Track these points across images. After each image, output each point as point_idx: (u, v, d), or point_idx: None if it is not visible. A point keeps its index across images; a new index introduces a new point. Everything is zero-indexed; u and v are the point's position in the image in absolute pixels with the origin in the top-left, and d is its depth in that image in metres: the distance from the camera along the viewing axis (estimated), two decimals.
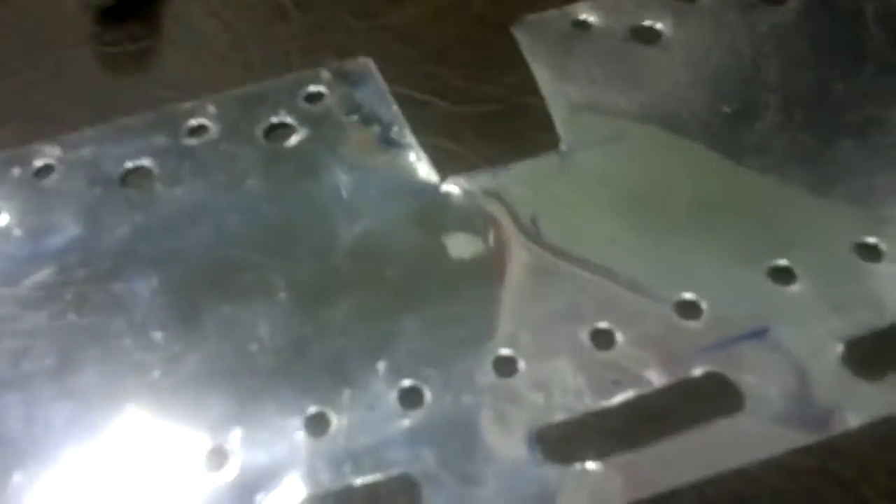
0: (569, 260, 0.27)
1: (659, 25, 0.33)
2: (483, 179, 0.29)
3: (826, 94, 0.30)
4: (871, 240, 0.26)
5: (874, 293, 0.25)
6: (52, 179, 0.30)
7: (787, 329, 0.25)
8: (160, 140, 0.31)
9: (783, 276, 0.26)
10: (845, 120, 0.29)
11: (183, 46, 0.35)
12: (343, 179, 0.29)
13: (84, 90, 0.34)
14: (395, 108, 0.31)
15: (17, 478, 0.24)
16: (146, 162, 0.30)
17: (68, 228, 0.28)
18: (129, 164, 0.30)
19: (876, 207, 0.27)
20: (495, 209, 0.28)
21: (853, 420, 0.23)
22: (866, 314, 0.25)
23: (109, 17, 0.36)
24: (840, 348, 0.24)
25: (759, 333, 0.25)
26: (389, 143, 0.30)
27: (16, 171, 0.30)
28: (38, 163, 0.30)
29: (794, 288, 0.25)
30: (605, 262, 0.26)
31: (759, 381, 0.24)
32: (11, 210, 0.29)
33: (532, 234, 0.27)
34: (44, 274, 0.27)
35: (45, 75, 0.34)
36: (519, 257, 0.27)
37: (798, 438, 0.23)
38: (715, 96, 0.30)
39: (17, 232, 0.29)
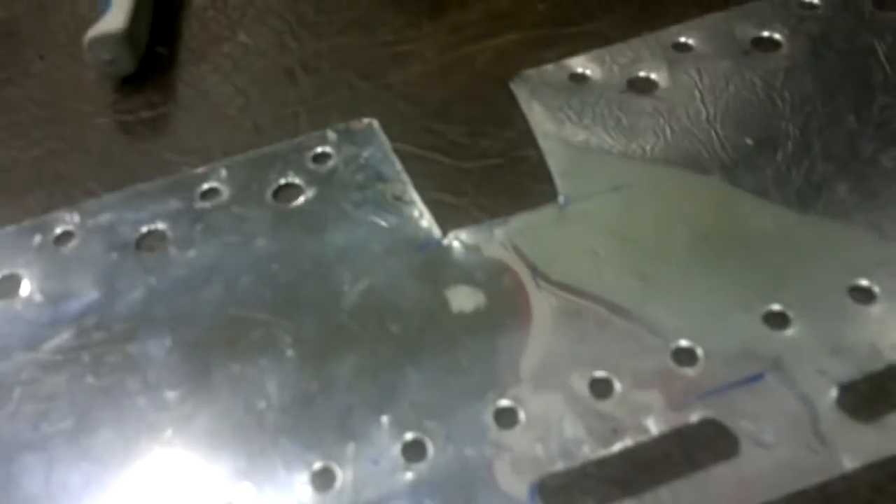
0: (566, 311, 0.27)
1: (654, 76, 0.33)
2: (483, 233, 0.30)
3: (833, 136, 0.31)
4: (864, 282, 0.26)
5: (868, 336, 0.25)
6: (72, 246, 0.31)
7: (782, 374, 0.25)
8: (174, 204, 0.32)
9: (778, 320, 0.26)
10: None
11: (196, 112, 0.36)
12: (348, 237, 0.30)
13: (103, 157, 0.35)
14: (399, 166, 0.32)
15: None
16: (161, 226, 0.31)
17: (86, 293, 0.30)
18: (145, 229, 0.31)
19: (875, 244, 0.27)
20: (495, 262, 0.29)
21: (849, 463, 0.23)
22: (861, 357, 0.25)
23: (128, 85, 0.38)
24: (835, 391, 0.24)
25: (754, 379, 0.25)
26: (393, 201, 0.31)
27: (37, 238, 0.31)
28: (59, 230, 0.32)
29: (789, 332, 0.26)
30: (603, 312, 0.27)
31: (755, 426, 0.24)
32: (32, 277, 0.30)
33: (531, 285, 0.28)
34: (63, 338, 0.29)
35: (66, 144, 0.36)
36: (518, 308, 0.28)
37: (794, 483, 0.23)
38: (713, 143, 0.31)
39: (38, 298, 0.30)
